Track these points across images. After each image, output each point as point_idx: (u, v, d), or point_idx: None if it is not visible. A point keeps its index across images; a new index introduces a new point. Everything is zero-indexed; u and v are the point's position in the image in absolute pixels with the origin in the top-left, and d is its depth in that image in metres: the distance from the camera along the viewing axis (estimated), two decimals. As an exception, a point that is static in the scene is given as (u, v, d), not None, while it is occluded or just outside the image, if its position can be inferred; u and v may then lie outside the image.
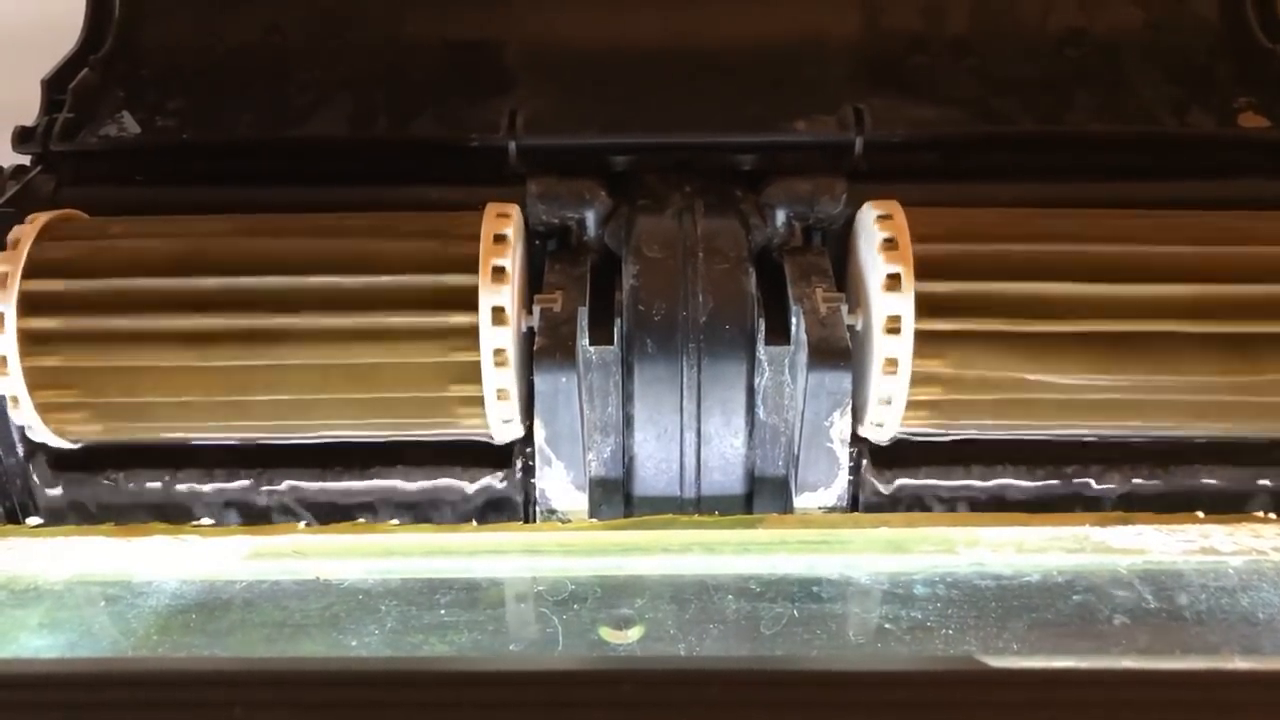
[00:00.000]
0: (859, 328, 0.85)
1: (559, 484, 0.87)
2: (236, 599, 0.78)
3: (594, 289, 0.89)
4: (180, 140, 1.02)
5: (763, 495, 0.89)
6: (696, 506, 0.89)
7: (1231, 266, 0.80)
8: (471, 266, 0.81)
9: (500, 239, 0.82)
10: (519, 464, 0.89)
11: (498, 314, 0.80)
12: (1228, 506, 0.85)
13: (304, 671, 0.60)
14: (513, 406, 0.84)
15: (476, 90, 1.04)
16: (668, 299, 0.87)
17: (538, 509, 0.88)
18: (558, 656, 0.72)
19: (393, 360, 0.81)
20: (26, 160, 1.01)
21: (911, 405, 0.82)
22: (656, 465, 0.88)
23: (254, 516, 0.89)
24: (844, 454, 0.85)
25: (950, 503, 0.88)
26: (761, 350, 0.87)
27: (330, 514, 0.89)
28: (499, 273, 0.81)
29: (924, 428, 0.85)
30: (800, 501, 0.87)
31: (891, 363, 0.80)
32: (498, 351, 0.81)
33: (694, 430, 0.87)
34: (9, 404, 0.83)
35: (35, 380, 0.82)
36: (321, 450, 0.89)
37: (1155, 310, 0.80)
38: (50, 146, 1.00)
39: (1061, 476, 0.88)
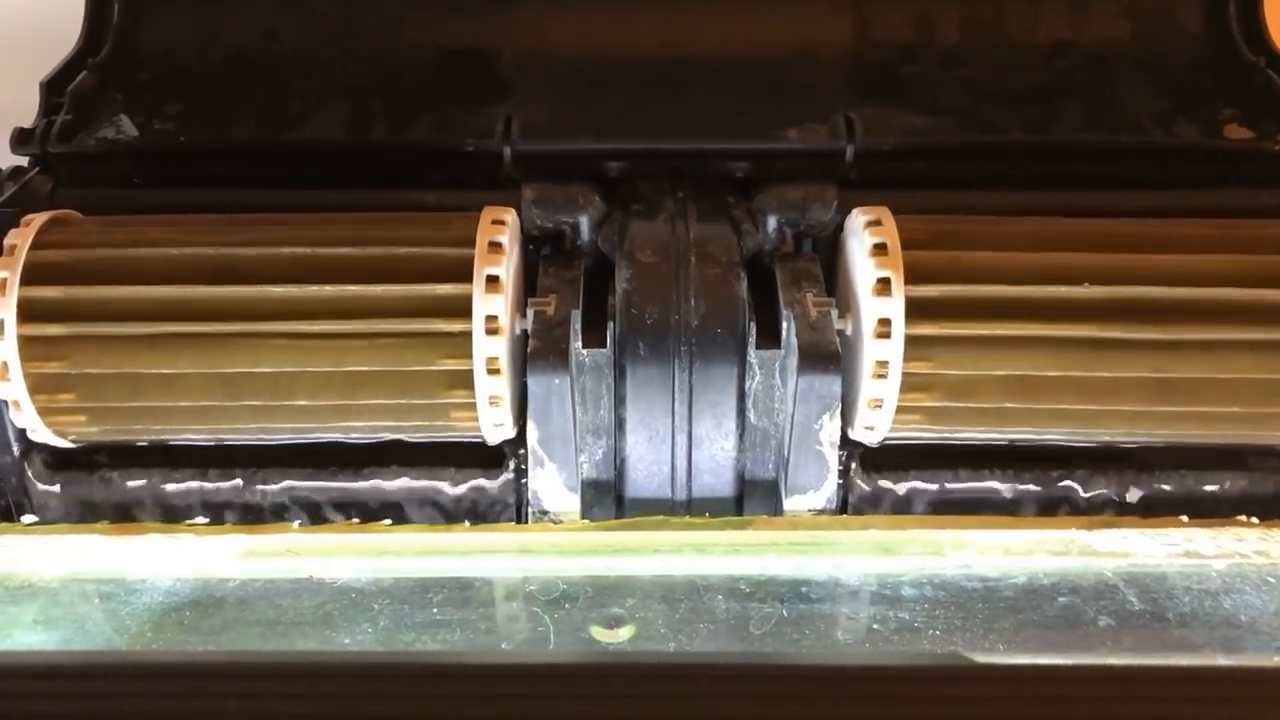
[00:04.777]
0: (849, 333, 0.86)
1: (551, 485, 0.87)
2: (230, 597, 0.78)
3: (587, 293, 0.90)
4: (178, 143, 1.03)
5: (753, 497, 0.90)
6: (687, 508, 0.90)
7: (1215, 272, 0.82)
8: (466, 275, 0.81)
9: (495, 246, 0.83)
10: (512, 465, 0.89)
11: (491, 323, 0.81)
12: (1211, 510, 0.86)
13: (298, 664, 0.60)
14: (505, 412, 0.84)
15: (472, 96, 1.04)
16: (660, 303, 0.88)
17: (530, 510, 0.88)
18: (550, 651, 0.73)
19: (388, 367, 0.82)
20: (25, 162, 1.02)
21: (901, 409, 0.83)
22: (648, 467, 0.89)
23: (248, 515, 0.90)
24: (833, 457, 0.86)
25: (938, 505, 0.89)
26: (752, 354, 0.87)
27: (324, 513, 0.90)
28: (493, 281, 0.81)
29: (913, 432, 0.86)
30: (790, 504, 0.87)
31: (882, 365, 0.81)
32: (490, 360, 0.81)
33: (685, 433, 0.88)
34: (10, 408, 0.84)
35: (36, 385, 0.82)
36: (316, 450, 0.89)
37: (1145, 316, 0.81)
38: (48, 148, 1.00)
39: (1048, 481, 0.89)
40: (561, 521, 0.88)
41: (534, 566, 0.82)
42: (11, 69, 1.06)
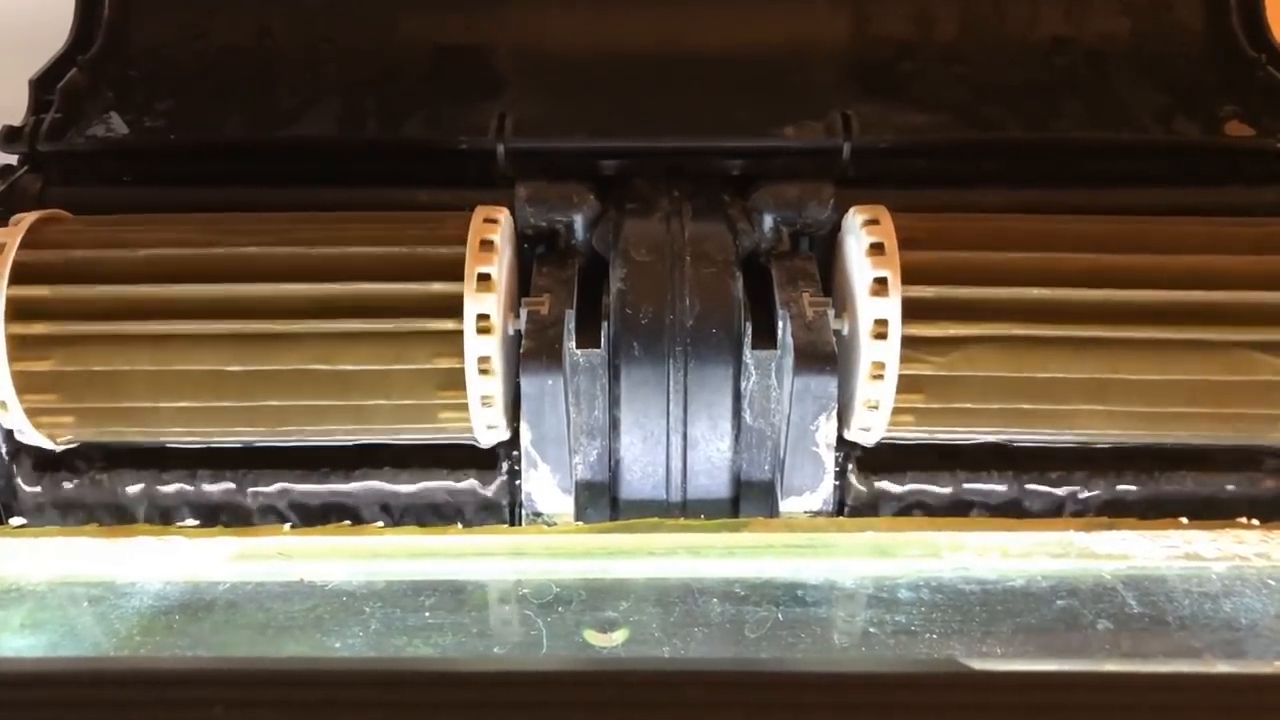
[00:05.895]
0: (845, 332, 0.85)
1: (545, 487, 0.87)
2: (220, 600, 0.78)
3: (581, 292, 0.89)
4: (168, 141, 1.02)
5: (749, 499, 0.89)
6: (682, 510, 0.89)
7: (1215, 273, 0.81)
8: (457, 273, 0.81)
9: (487, 245, 0.82)
10: (505, 467, 0.89)
11: (482, 321, 0.80)
12: (1211, 512, 0.86)
13: (287, 671, 0.60)
14: (497, 413, 0.84)
15: (466, 93, 1.04)
16: (655, 302, 0.87)
17: (523, 512, 0.88)
18: (541, 658, 0.72)
19: (378, 366, 0.81)
20: (14, 160, 1.01)
21: (897, 410, 0.82)
22: (643, 469, 0.88)
23: (239, 518, 0.89)
24: (830, 458, 0.86)
25: (935, 507, 0.88)
26: (748, 354, 0.87)
27: (316, 516, 0.89)
28: (484, 280, 0.80)
29: (909, 432, 0.85)
30: (786, 505, 0.87)
31: (878, 367, 0.80)
32: (482, 359, 0.81)
33: (680, 434, 0.87)
34: None
35: (23, 385, 0.81)
36: (307, 452, 0.89)
37: (1140, 317, 0.80)
38: (38, 146, 1.00)
39: (1046, 482, 0.88)
40: (555, 524, 0.87)
41: (527, 569, 0.82)
42: (1, 66, 1.05)
